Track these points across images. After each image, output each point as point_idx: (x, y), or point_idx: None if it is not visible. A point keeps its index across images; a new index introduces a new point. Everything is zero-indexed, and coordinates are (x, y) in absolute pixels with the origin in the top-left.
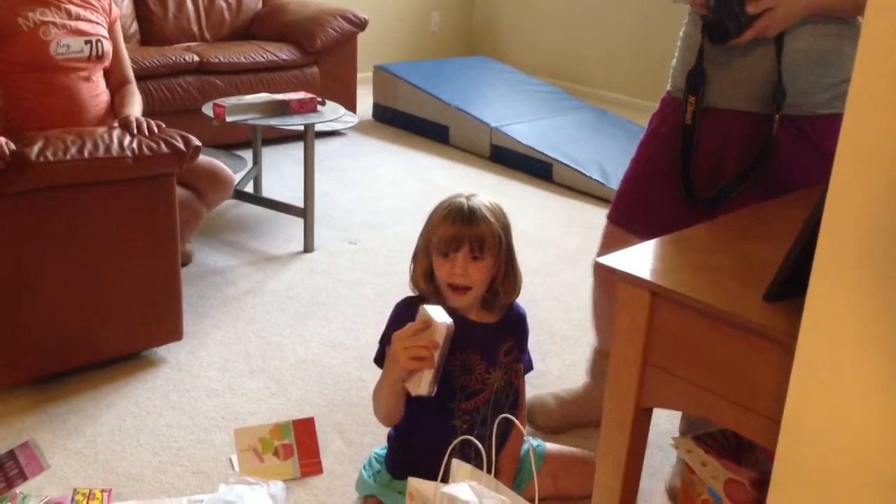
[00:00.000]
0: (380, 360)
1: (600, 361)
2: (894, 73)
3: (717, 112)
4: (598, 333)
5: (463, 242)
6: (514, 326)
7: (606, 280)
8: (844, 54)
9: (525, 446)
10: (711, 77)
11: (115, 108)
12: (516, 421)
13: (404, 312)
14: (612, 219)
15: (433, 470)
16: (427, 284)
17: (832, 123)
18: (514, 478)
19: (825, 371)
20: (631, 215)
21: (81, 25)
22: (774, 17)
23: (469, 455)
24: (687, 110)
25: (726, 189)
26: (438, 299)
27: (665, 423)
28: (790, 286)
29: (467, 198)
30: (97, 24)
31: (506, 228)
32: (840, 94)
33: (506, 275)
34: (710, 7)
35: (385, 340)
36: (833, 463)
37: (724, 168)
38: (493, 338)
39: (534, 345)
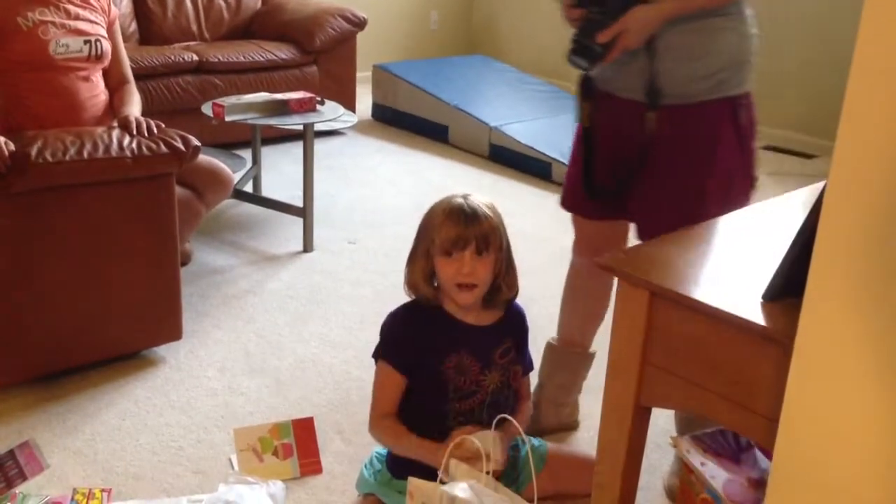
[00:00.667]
0: (386, 355)
1: (560, 352)
2: (892, 74)
3: (607, 96)
4: (572, 320)
5: (469, 241)
6: (513, 326)
7: (590, 268)
8: (717, 45)
9: (525, 447)
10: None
11: (114, 108)
12: (514, 421)
13: (400, 325)
14: (564, 206)
15: (433, 470)
16: (428, 287)
17: (718, 107)
18: (517, 478)
19: (823, 370)
20: (574, 202)
21: (80, 25)
22: (629, 37)
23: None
24: (584, 114)
25: (620, 185)
26: (438, 301)
27: (664, 422)
28: (789, 286)
29: (464, 197)
30: (96, 23)
31: (503, 224)
32: (720, 80)
33: (507, 270)
34: (578, 27)
35: (383, 354)
36: (831, 462)
37: (621, 153)
38: (488, 340)
39: (533, 345)
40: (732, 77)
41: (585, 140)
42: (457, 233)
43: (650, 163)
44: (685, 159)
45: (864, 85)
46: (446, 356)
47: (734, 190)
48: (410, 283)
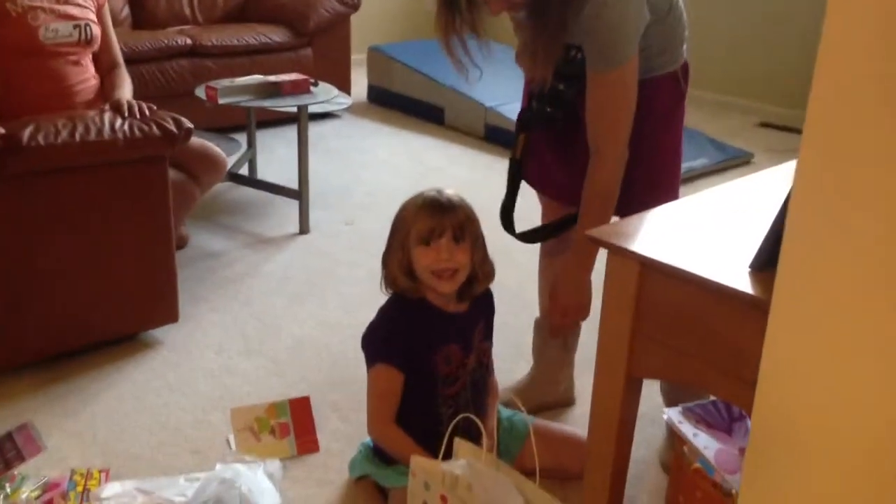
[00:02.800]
0: (387, 357)
1: (545, 327)
2: (858, 47)
3: None
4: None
5: (445, 228)
6: (485, 306)
7: (557, 240)
8: (646, 40)
9: (509, 413)
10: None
11: (105, 92)
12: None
13: (391, 323)
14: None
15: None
16: (407, 280)
17: (662, 81)
18: (501, 444)
19: (797, 334)
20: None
21: (70, 10)
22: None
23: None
24: (517, 146)
25: (546, 232)
26: (420, 293)
27: (657, 394)
28: (776, 255)
29: (437, 191)
30: (85, 7)
31: (477, 218)
32: (657, 64)
33: (483, 260)
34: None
35: (381, 357)
36: (808, 421)
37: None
38: (469, 325)
39: (528, 321)
40: (668, 60)
41: (512, 172)
42: (433, 221)
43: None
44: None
45: (832, 56)
46: (437, 349)
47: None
48: (389, 279)
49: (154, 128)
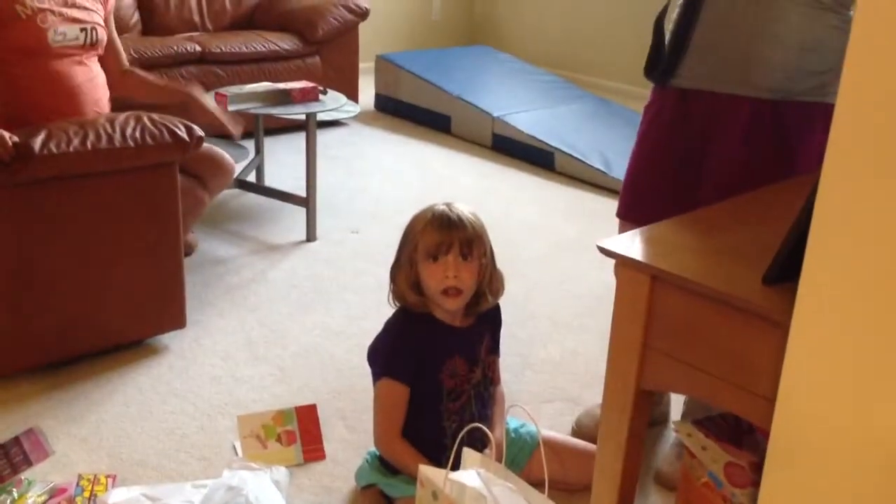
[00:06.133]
0: (393, 371)
1: None
2: (887, 56)
3: (696, 95)
4: None
5: (452, 244)
6: (491, 319)
7: None
8: (830, 42)
9: (516, 423)
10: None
11: (130, 88)
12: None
13: (396, 338)
14: (621, 214)
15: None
16: (414, 295)
17: (816, 113)
18: (507, 455)
19: (819, 351)
20: (638, 208)
21: (76, 13)
22: None
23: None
24: None
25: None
26: (427, 308)
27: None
28: (789, 269)
29: (447, 205)
30: (92, 11)
31: (486, 234)
32: (825, 83)
33: (491, 277)
34: None
35: (387, 372)
36: (827, 442)
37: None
38: (475, 339)
39: (536, 332)
40: (836, 82)
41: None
42: (441, 236)
43: (728, 162)
44: (768, 162)
45: (858, 67)
46: (443, 363)
47: None
48: (397, 294)
49: (165, 134)
